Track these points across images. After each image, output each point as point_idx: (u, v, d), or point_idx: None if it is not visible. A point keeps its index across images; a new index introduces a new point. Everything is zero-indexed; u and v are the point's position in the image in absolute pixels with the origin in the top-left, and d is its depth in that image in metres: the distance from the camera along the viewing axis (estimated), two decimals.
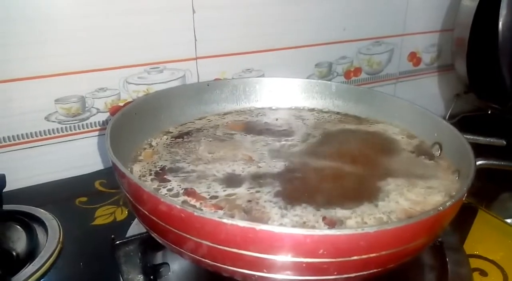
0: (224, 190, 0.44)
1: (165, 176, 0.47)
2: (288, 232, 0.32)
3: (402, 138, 0.57)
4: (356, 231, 0.32)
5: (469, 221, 0.55)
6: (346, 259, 0.33)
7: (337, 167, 0.50)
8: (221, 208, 0.41)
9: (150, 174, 0.48)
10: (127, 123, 0.51)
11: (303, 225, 0.40)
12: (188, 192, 0.44)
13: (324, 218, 0.41)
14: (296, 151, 0.54)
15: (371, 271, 0.36)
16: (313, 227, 0.40)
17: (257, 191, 0.44)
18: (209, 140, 0.56)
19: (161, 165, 0.49)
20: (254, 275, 0.35)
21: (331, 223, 0.40)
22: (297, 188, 0.46)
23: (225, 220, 0.32)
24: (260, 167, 0.49)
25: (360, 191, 0.46)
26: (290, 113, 0.65)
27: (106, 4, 0.61)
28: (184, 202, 0.42)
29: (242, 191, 0.44)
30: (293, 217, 0.41)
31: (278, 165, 0.50)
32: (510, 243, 0.54)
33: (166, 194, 0.44)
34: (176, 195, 0.44)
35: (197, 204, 0.42)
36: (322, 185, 0.47)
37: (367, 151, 0.54)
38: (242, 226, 0.32)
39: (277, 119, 0.63)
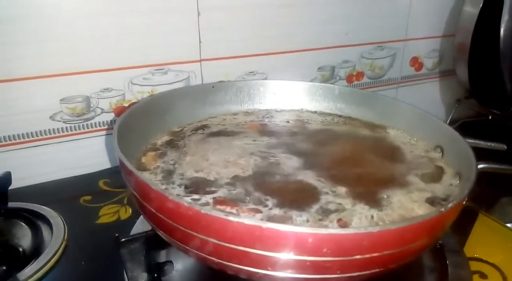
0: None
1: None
2: (293, 230, 0.33)
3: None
4: (359, 231, 0.33)
5: (470, 224, 0.55)
6: (349, 258, 0.34)
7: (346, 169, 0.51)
8: (260, 212, 0.41)
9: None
10: (133, 123, 0.51)
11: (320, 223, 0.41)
12: (218, 201, 0.43)
13: (338, 220, 0.41)
14: (306, 152, 0.54)
15: (373, 270, 0.36)
16: (326, 226, 0.40)
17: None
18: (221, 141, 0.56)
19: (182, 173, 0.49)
20: (258, 273, 0.35)
21: (345, 226, 0.41)
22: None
23: (231, 218, 0.33)
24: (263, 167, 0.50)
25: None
26: (295, 115, 0.66)
27: (111, 5, 0.62)
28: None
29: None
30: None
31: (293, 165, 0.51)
32: (510, 246, 0.55)
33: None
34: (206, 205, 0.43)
35: (233, 211, 0.41)
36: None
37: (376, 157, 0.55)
38: (248, 224, 0.32)
39: (288, 121, 0.63)
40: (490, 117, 0.86)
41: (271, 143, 0.56)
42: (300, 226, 0.33)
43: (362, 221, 0.42)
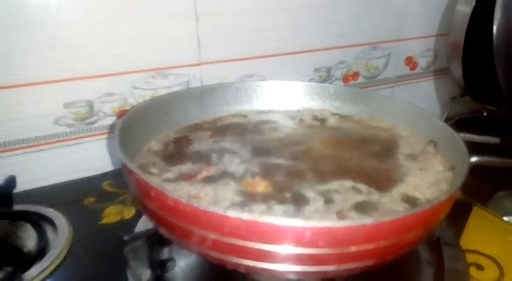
0: None
1: None
2: (289, 224, 0.34)
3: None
4: (354, 223, 0.34)
5: (465, 217, 0.56)
6: (345, 250, 0.35)
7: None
8: None
9: None
10: (134, 124, 0.52)
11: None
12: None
13: (338, 212, 0.43)
14: (302, 150, 0.56)
15: (369, 262, 0.37)
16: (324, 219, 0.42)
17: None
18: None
19: None
20: (257, 267, 0.36)
21: (343, 218, 0.42)
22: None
23: (229, 213, 0.34)
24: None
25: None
26: (292, 114, 0.67)
27: (113, 11, 0.63)
28: None
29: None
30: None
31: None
32: (505, 237, 0.56)
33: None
34: None
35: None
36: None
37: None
38: (245, 219, 0.33)
39: (296, 124, 0.65)
40: (485, 114, 0.86)
41: (267, 142, 0.57)
42: (296, 219, 0.34)
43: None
